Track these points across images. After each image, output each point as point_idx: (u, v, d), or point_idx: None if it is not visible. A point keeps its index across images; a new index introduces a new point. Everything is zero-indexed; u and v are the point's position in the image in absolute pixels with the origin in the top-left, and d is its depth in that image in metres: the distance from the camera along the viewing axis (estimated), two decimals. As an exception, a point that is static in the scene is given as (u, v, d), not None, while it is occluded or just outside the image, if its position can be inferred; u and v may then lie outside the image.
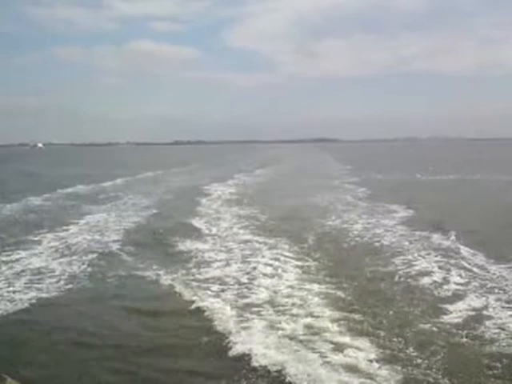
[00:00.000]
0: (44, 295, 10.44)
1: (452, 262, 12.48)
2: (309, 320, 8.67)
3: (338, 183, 35.74)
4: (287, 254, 13.58)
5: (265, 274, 11.60)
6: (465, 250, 13.55)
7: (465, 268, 11.88)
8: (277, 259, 12.95)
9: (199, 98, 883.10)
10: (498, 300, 9.63)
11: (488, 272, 11.56)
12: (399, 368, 6.98)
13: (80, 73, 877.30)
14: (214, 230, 17.35)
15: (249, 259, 13.07)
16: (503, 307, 9.26)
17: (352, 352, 7.42)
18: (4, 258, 13.34)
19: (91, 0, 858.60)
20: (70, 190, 31.06)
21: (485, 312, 9.06)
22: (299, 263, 12.62)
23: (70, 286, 11.08)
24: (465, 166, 52.98)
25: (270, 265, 12.40)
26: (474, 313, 9.05)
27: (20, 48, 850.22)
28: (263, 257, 13.26)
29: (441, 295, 10.08)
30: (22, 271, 12.08)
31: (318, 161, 76.06)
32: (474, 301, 9.61)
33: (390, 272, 11.80)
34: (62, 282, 11.27)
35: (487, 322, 8.56)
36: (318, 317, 8.83)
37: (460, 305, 9.47)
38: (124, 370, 7.20)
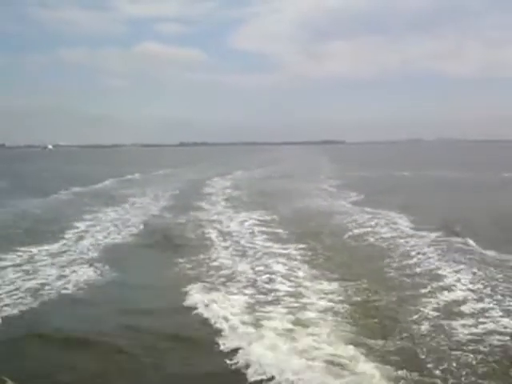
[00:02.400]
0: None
1: (376, 218, 19.15)
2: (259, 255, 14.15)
3: (322, 178, 42.47)
4: (257, 216, 20.43)
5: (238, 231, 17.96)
6: (386, 213, 20.45)
7: (381, 218, 18.85)
8: (250, 218, 20.17)
9: (205, 100, 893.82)
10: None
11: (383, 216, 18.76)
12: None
13: (86, 74, 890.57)
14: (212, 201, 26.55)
15: (230, 221, 19.91)
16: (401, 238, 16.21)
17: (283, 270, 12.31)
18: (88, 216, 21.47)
19: (97, 2, 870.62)
20: (102, 183, 38.61)
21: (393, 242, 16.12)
22: (264, 220, 19.47)
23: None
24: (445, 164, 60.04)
25: (243, 221, 19.42)
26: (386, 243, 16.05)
27: (26, 49, 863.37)
28: (238, 217, 20.49)
29: (358, 236, 16.72)
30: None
31: (314, 161, 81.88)
32: (378, 233, 16.66)
33: (330, 224, 18.51)
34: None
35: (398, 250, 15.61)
36: (267, 247, 14.70)
37: (370, 237, 15.95)
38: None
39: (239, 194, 30.09)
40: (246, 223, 18.87)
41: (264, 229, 17.68)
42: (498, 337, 7.90)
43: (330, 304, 9.59)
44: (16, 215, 21.33)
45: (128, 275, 12.31)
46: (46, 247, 14.87)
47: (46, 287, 10.94)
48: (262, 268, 12.35)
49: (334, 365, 6.98)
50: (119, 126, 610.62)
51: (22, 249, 14.44)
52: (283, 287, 10.78)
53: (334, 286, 10.79)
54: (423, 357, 7.29)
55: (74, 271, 12.19)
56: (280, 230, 17.28)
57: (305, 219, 19.75)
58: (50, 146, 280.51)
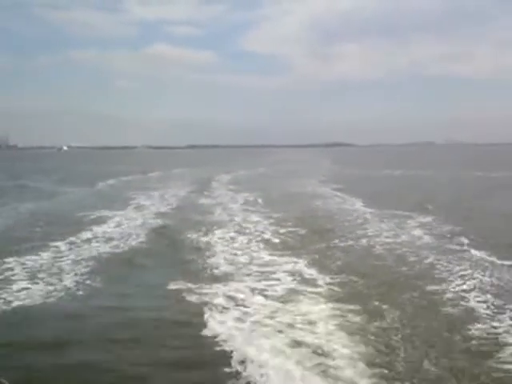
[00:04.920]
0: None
1: (346, 204, 25.84)
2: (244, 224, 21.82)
3: (317, 175, 48.69)
4: (254, 198, 27.44)
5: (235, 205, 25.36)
6: (349, 197, 27.23)
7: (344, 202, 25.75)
8: (248, 199, 27.25)
9: (215, 102, 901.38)
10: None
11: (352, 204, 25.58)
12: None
13: (96, 76, 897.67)
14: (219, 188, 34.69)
15: (231, 197, 27.99)
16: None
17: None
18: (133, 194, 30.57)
19: (108, 4, 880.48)
20: (126, 177, 45.90)
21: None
22: (258, 196, 27.21)
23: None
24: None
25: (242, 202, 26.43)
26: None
27: (37, 50, 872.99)
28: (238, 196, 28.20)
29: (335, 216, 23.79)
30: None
31: (316, 162, 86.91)
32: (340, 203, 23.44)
33: (304, 199, 25.93)
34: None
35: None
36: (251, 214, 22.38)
37: (331, 208, 23.09)
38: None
39: (242, 184, 37.28)
40: (243, 198, 27.26)
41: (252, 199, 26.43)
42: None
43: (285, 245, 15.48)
44: (90, 192, 33.78)
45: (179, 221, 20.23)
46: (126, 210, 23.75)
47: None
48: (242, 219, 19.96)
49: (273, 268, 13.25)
50: (129, 127, 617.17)
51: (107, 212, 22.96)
52: (253, 230, 17.48)
53: (290, 235, 16.83)
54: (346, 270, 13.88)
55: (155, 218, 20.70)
56: (263, 201, 25.59)
57: (286, 197, 27.30)
58: (65, 147, 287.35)
